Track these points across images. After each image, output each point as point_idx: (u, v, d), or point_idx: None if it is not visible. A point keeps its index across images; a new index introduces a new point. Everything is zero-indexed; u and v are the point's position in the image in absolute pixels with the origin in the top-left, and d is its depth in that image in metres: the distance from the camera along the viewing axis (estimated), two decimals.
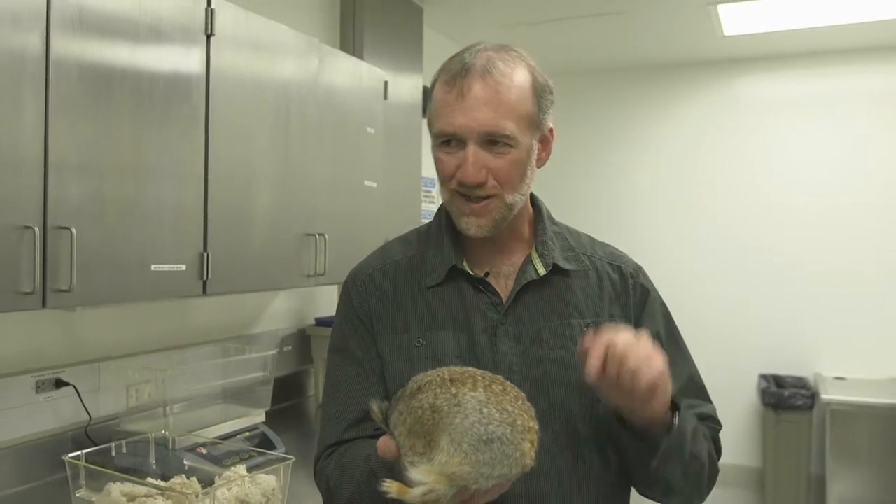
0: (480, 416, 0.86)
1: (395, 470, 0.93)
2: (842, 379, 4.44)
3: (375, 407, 0.96)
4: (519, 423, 0.87)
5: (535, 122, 1.12)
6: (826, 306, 4.55)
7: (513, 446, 0.86)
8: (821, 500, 4.29)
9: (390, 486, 0.89)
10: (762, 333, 4.70)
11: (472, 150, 1.08)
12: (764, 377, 4.64)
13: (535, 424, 0.89)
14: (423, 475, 0.87)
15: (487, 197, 1.10)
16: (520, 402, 0.90)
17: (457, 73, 1.10)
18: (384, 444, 0.93)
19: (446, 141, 1.11)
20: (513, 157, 1.09)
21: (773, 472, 4.35)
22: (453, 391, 0.88)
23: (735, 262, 4.78)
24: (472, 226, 1.12)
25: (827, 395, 4.15)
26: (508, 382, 0.92)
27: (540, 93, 1.12)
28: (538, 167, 1.17)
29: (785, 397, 4.31)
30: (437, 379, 0.90)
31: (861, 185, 4.51)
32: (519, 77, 1.10)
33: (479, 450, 0.85)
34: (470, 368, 0.93)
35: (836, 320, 4.53)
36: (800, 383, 4.53)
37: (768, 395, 4.37)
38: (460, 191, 1.11)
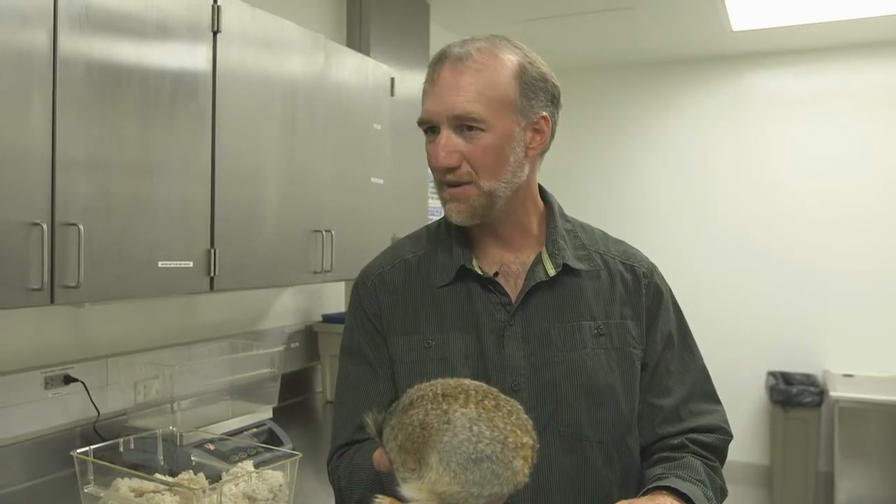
0: (470, 434, 0.84)
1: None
2: (850, 376, 4.42)
3: (370, 420, 0.94)
4: (511, 440, 0.84)
5: (515, 108, 1.10)
6: (835, 303, 4.53)
7: (503, 465, 0.83)
8: (829, 497, 4.27)
9: (382, 501, 0.88)
10: (770, 330, 4.68)
11: (444, 135, 1.09)
12: (772, 374, 4.62)
13: (529, 440, 0.87)
14: (413, 492, 0.86)
15: (464, 183, 1.10)
16: (513, 417, 0.87)
17: (435, 62, 1.12)
18: (379, 457, 0.92)
19: (429, 130, 1.13)
20: (485, 141, 1.08)
21: (781, 470, 4.34)
22: (444, 407, 0.86)
23: (744, 258, 4.76)
24: (452, 212, 1.13)
25: (835, 392, 4.12)
26: (504, 397, 0.89)
27: (526, 79, 1.11)
28: (530, 156, 1.14)
29: (793, 394, 4.29)
30: (430, 394, 0.88)
31: (871, 181, 4.48)
32: (497, 63, 1.09)
33: (469, 469, 0.83)
34: (465, 381, 0.90)
35: (845, 317, 4.50)
36: (808, 380, 4.51)
37: (777, 393, 4.35)
38: (440, 179, 1.12)
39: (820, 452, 4.35)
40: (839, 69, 4.57)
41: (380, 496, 0.89)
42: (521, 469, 0.85)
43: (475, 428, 0.84)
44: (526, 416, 0.89)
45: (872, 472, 4.31)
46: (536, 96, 1.12)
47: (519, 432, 0.86)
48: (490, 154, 1.09)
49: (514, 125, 1.10)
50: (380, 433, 0.92)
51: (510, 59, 1.10)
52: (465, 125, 1.08)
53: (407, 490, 0.86)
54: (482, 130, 1.08)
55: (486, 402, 0.87)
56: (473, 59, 1.09)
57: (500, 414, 0.86)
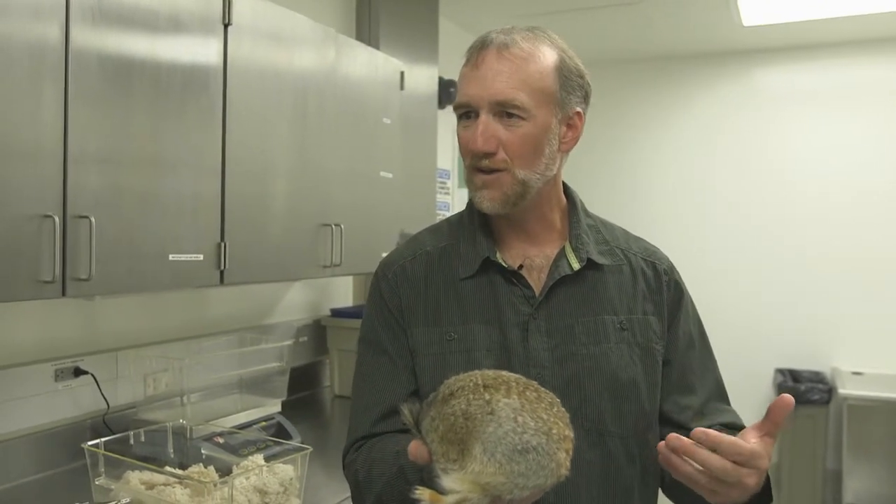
0: (515, 425, 0.82)
1: (423, 469, 0.91)
2: (859, 374, 4.40)
3: (406, 410, 0.93)
4: (555, 431, 0.83)
5: (555, 100, 1.10)
6: (844, 300, 4.51)
7: (548, 456, 0.82)
8: (837, 495, 4.26)
9: (422, 494, 0.86)
10: (778, 327, 4.66)
11: (483, 119, 1.08)
12: (780, 371, 4.61)
13: (570, 432, 0.86)
14: (455, 483, 0.84)
15: (498, 171, 1.10)
16: (555, 408, 0.86)
17: (476, 47, 1.12)
18: (416, 448, 0.91)
19: (465, 115, 1.12)
20: (525, 130, 1.08)
21: (788, 467, 4.33)
22: (486, 397, 0.85)
23: (752, 254, 4.74)
24: (484, 199, 1.11)
25: (844, 389, 4.11)
26: (543, 388, 0.88)
27: (565, 73, 1.11)
28: (563, 150, 1.15)
29: (801, 392, 4.27)
30: (470, 384, 0.87)
31: (882, 178, 4.45)
32: (540, 53, 1.10)
33: (514, 460, 0.82)
34: (504, 372, 0.89)
35: (853, 314, 4.48)
36: (816, 378, 4.49)
37: (784, 390, 4.32)
38: (474, 164, 1.11)
39: (828, 450, 4.34)
40: (851, 65, 4.54)
41: (420, 488, 0.87)
42: (564, 461, 0.84)
43: (520, 419, 0.83)
44: (563, 408, 0.88)
45: (880, 471, 4.30)
46: (573, 91, 1.13)
47: (561, 424, 0.85)
48: (528, 143, 1.09)
49: (552, 117, 1.11)
50: (416, 425, 0.91)
51: (552, 51, 1.11)
52: (505, 112, 1.08)
53: (448, 481, 0.84)
54: (522, 119, 1.08)
55: (528, 392, 0.86)
56: (519, 47, 1.09)
57: (543, 405, 0.85)
